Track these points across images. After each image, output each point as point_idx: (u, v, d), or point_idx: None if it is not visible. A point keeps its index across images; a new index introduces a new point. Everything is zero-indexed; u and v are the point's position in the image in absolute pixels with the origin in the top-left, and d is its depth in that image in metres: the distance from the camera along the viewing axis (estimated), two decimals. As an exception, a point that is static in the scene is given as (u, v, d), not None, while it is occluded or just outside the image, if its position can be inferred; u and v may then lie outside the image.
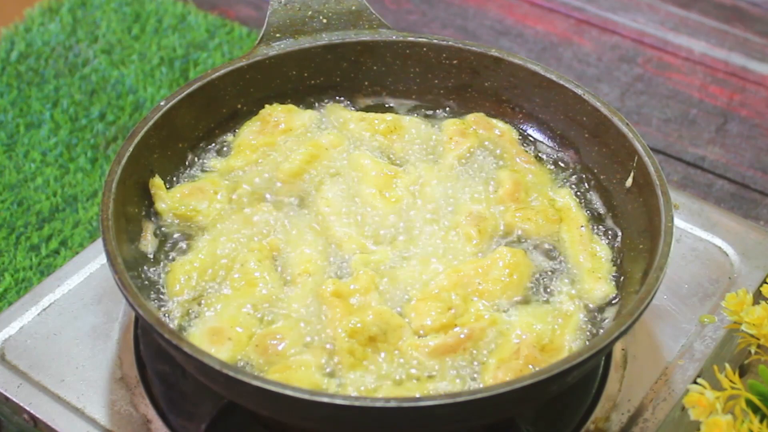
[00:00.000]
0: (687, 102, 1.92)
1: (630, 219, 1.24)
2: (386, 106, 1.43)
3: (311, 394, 0.98)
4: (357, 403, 0.98)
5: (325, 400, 0.97)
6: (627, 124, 1.26)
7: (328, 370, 1.09)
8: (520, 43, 2.07)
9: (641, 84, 1.96)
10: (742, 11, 2.14)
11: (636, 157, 1.23)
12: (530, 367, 1.08)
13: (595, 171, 1.32)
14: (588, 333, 1.14)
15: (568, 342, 1.12)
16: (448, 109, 1.42)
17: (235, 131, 1.37)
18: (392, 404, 0.97)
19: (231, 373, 0.99)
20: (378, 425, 1.04)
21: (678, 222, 1.40)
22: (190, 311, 1.16)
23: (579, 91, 1.31)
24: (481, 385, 1.08)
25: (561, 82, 1.33)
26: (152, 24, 2.07)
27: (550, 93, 1.35)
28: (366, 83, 1.43)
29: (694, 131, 1.86)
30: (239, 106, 1.38)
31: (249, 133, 1.35)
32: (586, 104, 1.31)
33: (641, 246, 1.19)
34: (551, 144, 1.38)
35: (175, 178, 1.30)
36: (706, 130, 1.86)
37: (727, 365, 1.10)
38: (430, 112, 1.42)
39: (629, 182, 1.25)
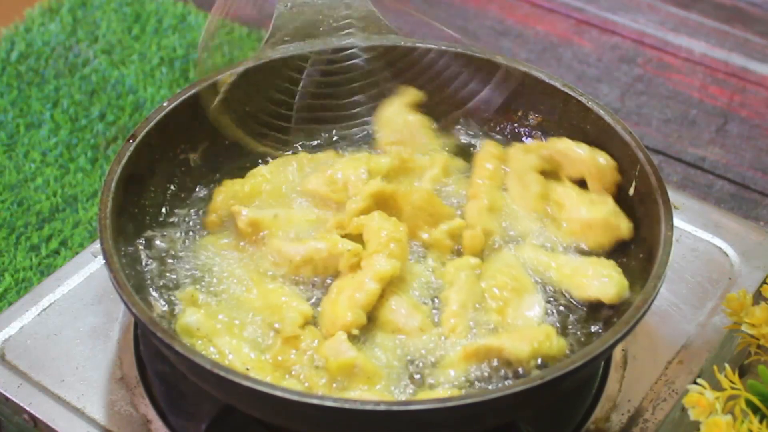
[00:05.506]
0: (687, 102, 1.92)
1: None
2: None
3: (300, 395, 0.97)
4: (346, 406, 0.96)
5: (315, 401, 0.97)
6: (630, 132, 1.25)
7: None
8: (520, 43, 2.06)
9: (641, 84, 1.96)
10: (742, 11, 2.14)
11: (638, 167, 1.22)
12: None
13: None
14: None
15: None
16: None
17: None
18: (382, 407, 0.96)
19: (222, 373, 0.98)
20: (369, 428, 1.03)
21: (678, 222, 1.39)
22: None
23: (583, 99, 1.30)
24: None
25: (565, 89, 1.32)
26: (152, 24, 2.07)
27: (554, 100, 1.34)
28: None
29: (694, 131, 1.86)
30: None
31: None
32: (590, 112, 1.30)
33: (641, 255, 1.18)
34: None
35: (175, 179, 1.30)
36: (706, 131, 1.86)
37: (727, 365, 1.10)
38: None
39: (632, 191, 1.24)
